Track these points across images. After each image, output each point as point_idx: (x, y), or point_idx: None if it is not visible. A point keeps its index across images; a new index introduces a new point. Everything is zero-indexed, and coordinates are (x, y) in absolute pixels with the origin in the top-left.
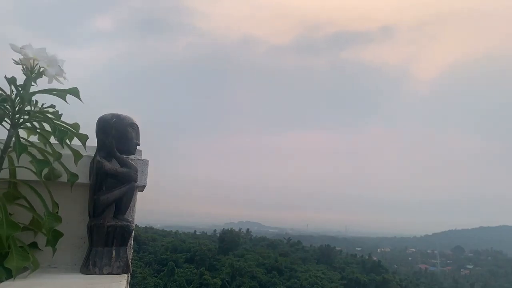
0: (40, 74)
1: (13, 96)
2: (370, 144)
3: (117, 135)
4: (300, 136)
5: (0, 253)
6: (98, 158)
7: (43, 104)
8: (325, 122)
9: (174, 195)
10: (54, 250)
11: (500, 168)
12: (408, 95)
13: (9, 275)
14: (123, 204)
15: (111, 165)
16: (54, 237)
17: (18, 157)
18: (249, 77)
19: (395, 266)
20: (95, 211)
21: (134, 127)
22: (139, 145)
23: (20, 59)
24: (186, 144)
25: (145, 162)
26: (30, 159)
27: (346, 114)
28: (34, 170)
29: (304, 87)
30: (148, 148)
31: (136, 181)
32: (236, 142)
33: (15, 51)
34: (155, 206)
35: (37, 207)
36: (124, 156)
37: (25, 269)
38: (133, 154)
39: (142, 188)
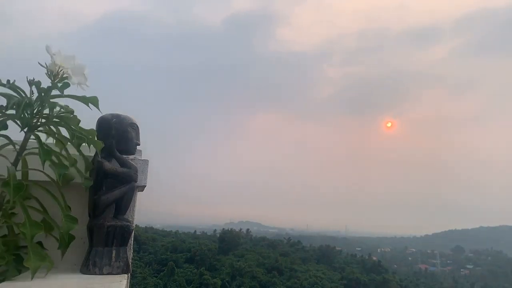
0: (63, 79)
1: (34, 99)
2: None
3: (117, 135)
4: (301, 136)
5: (14, 253)
6: (98, 158)
7: (60, 109)
8: (325, 122)
9: (174, 195)
10: (63, 253)
11: None
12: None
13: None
14: (123, 204)
15: (111, 165)
16: (66, 240)
17: (43, 163)
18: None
19: (395, 266)
20: (95, 211)
21: (134, 127)
22: (139, 145)
23: (46, 63)
24: (186, 144)
25: (145, 162)
26: (49, 163)
27: (348, 115)
28: (54, 173)
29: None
30: (148, 148)
31: (136, 181)
32: (237, 142)
33: (49, 54)
34: (155, 206)
35: (48, 208)
36: (124, 156)
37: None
38: (133, 154)
39: (142, 188)
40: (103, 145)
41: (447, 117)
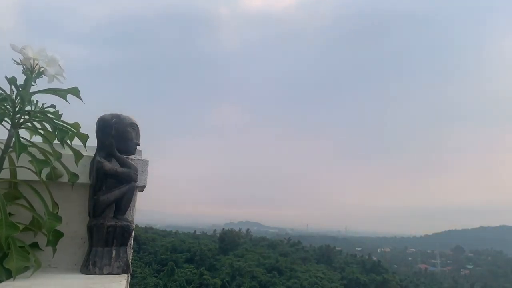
0: (40, 74)
1: (14, 96)
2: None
3: (117, 135)
4: (301, 136)
5: (2, 254)
6: (98, 158)
7: (43, 104)
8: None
9: (174, 195)
10: (54, 250)
11: None
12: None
13: (9, 275)
14: (123, 204)
15: (111, 165)
16: (55, 237)
17: (17, 157)
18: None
19: (395, 266)
20: (95, 211)
21: (134, 127)
22: (139, 145)
23: (20, 59)
24: (186, 144)
25: (145, 162)
26: (30, 159)
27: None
28: (34, 169)
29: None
30: (148, 148)
31: (136, 181)
32: (236, 142)
33: (16, 51)
34: (155, 206)
35: (37, 207)
36: (124, 156)
37: (26, 268)
38: (133, 154)
39: (142, 188)
40: (88, 137)
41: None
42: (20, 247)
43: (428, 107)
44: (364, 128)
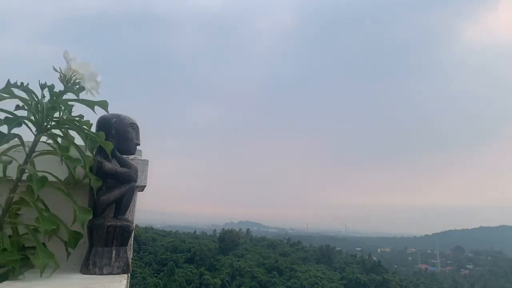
0: (75, 85)
1: (44, 102)
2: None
3: (117, 135)
4: (301, 136)
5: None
6: (98, 158)
7: (71, 112)
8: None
9: (174, 195)
10: (69, 254)
11: None
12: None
13: (12, 275)
14: (123, 204)
15: (111, 165)
16: (75, 238)
17: (61, 158)
18: None
19: (395, 266)
20: (95, 211)
21: (134, 127)
22: (139, 145)
23: (60, 67)
24: (186, 144)
25: (145, 162)
26: (66, 159)
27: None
28: (54, 173)
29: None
30: (148, 147)
31: (136, 181)
32: (237, 142)
33: (66, 60)
34: (155, 206)
35: (52, 209)
36: (124, 156)
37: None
38: (133, 154)
39: (142, 188)
40: (113, 147)
41: None
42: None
43: (428, 106)
44: (364, 128)
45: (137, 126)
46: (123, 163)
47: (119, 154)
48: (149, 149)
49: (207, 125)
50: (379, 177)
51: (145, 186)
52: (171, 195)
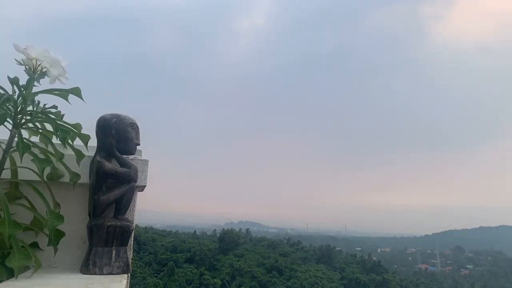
0: (42, 75)
1: (16, 97)
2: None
3: (117, 135)
4: (301, 136)
5: (2, 253)
6: (98, 158)
7: (45, 105)
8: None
9: (174, 195)
10: (56, 250)
11: None
12: None
13: (10, 274)
14: (123, 204)
15: (111, 165)
16: (56, 236)
17: (21, 156)
18: None
19: (395, 266)
20: (95, 211)
21: (134, 127)
22: (139, 145)
23: (22, 59)
24: (187, 144)
25: (145, 162)
26: (32, 158)
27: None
28: (36, 169)
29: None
30: (148, 147)
31: (136, 181)
32: (237, 142)
33: (18, 52)
34: (155, 206)
35: (38, 207)
36: (124, 156)
37: (26, 268)
38: (133, 154)
39: (142, 188)
40: (90, 138)
41: None
42: (21, 246)
43: (428, 106)
44: (365, 128)
45: (137, 126)
46: (123, 163)
47: (119, 154)
48: (149, 148)
49: (207, 125)
50: (379, 177)
51: (145, 186)
52: (171, 195)
